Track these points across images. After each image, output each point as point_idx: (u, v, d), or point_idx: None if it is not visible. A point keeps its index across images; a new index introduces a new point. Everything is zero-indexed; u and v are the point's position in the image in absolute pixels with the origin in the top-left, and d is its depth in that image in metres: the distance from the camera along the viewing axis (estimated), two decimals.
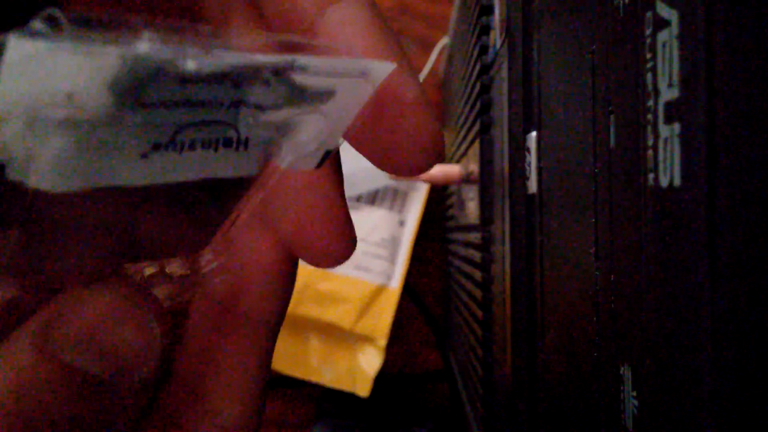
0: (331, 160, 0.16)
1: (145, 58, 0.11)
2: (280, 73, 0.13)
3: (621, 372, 0.13)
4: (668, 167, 0.11)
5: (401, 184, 0.54)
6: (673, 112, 0.10)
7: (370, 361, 0.53)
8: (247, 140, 0.14)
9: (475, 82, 0.31)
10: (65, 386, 0.13)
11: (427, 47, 0.56)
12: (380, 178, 0.52)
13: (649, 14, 0.11)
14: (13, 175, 0.11)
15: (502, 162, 0.24)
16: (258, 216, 0.17)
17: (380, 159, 0.16)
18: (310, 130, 0.15)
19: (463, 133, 0.37)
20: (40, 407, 0.12)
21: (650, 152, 0.11)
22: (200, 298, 0.17)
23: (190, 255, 0.16)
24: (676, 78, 0.10)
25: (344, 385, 0.53)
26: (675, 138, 0.10)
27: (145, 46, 0.11)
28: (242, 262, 0.17)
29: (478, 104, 0.30)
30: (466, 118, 0.35)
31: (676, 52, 0.10)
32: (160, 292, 0.16)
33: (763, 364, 0.09)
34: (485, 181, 0.29)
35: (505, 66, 0.24)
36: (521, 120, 0.22)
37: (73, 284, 0.14)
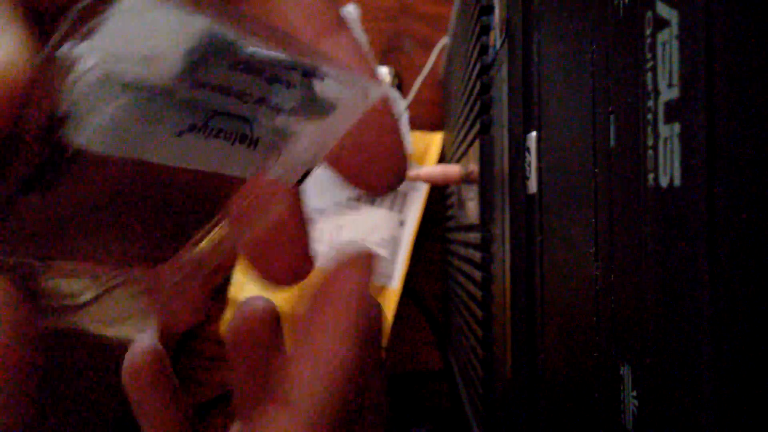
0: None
1: (218, 35, 0.12)
2: (307, 74, 0.14)
3: (621, 372, 0.13)
4: (668, 167, 0.11)
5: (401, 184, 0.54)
6: (673, 112, 0.10)
7: None
8: (257, 140, 0.15)
9: (475, 82, 0.31)
10: None
11: (427, 47, 0.56)
12: None
13: (649, 14, 0.11)
14: (68, 129, 0.11)
15: (502, 162, 0.24)
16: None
17: (353, 178, 0.17)
18: (306, 142, 0.15)
19: (463, 133, 0.37)
20: None
21: (650, 152, 0.11)
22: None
23: (151, 266, 0.16)
24: (676, 78, 0.10)
25: None
26: (675, 138, 0.10)
27: (218, 25, 0.12)
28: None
29: (478, 104, 0.30)
30: (466, 118, 0.35)
31: (676, 52, 0.10)
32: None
33: (763, 364, 0.09)
34: (485, 181, 0.29)
35: (505, 66, 0.24)
36: (521, 120, 0.22)
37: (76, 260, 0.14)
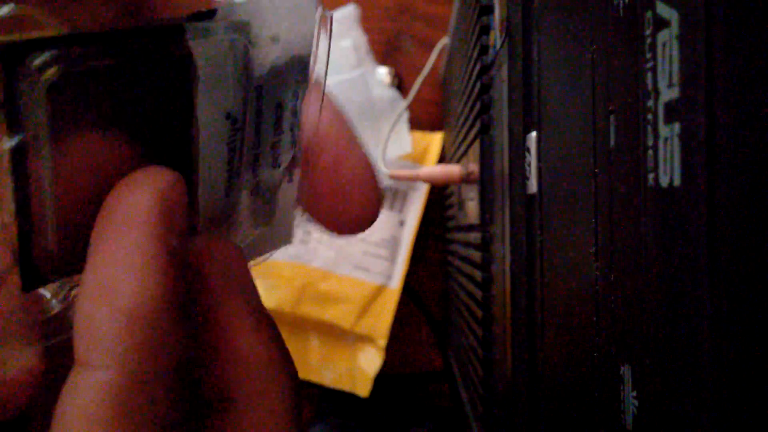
0: None
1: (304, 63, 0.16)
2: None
3: (621, 372, 0.13)
4: (668, 167, 0.11)
5: (401, 184, 0.54)
6: (673, 112, 0.10)
7: (370, 361, 0.53)
8: (279, 161, 0.17)
9: (475, 82, 0.31)
10: None
11: (427, 47, 0.56)
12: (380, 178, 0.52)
13: (649, 14, 0.11)
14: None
15: (502, 162, 0.24)
16: None
17: (329, 224, 0.18)
18: (287, 195, 0.17)
19: (463, 133, 0.37)
20: None
21: (650, 152, 0.11)
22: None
23: None
24: (676, 78, 0.10)
25: (344, 385, 0.53)
26: (675, 138, 0.10)
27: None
28: None
29: (478, 104, 0.30)
30: (466, 118, 0.35)
31: (676, 52, 0.10)
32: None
33: (763, 363, 0.09)
34: (485, 181, 0.29)
35: (505, 66, 0.24)
36: (521, 120, 0.22)
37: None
